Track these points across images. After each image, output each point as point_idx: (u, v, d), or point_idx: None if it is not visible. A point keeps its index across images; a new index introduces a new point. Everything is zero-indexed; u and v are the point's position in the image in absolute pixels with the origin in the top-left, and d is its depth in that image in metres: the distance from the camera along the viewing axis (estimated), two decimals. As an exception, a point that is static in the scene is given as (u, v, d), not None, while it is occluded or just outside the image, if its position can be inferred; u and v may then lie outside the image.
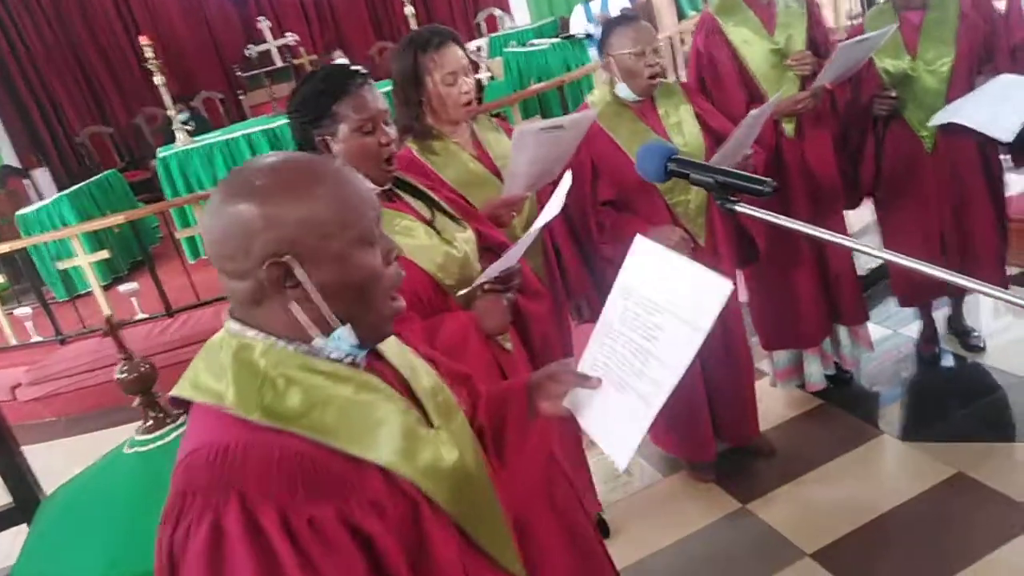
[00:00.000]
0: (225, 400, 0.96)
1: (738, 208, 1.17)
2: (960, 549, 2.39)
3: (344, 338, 1.02)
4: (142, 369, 1.86)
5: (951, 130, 2.77)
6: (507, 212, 2.15)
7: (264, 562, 0.87)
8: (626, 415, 1.19)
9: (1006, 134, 2.59)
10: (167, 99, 6.98)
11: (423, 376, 1.18)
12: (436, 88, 2.19)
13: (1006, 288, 3.01)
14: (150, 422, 1.89)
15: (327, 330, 1.01)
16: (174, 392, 1.02)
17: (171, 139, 7.17)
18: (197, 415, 1.00)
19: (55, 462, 4.52)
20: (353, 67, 1.77)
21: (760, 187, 1.15)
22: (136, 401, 1.88)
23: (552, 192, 1.87)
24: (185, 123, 7.18)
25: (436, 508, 1.06)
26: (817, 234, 1.14)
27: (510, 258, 1.79)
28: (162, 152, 6.80)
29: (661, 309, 1.16)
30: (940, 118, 2.75)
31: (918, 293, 3.19)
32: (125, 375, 1.85)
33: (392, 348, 1.16)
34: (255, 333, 1.00)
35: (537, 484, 1.66)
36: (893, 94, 2.81)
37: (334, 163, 1.04)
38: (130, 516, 1.72)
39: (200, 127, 8.00)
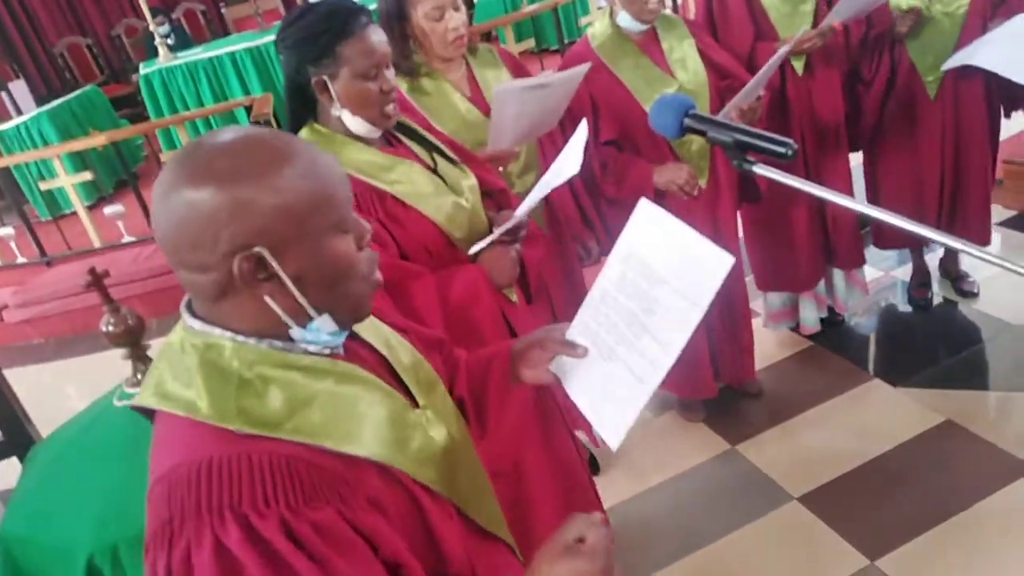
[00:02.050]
0: (199, 410, 0.89)
1: (756, 169, 1.11)
2: (947, 498, 2.42)
3: (322, 328, 0.96)
4: (129, 322, 1.81)
5: (959, 76, 2.70)
6: (494, 166, 2.07)
7: (280, 573, 0.82)
8: (618, 391, 1.15)
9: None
10: (146, 11, 6.71)
11: (402, 352, 1.13)
12: (420, 23, 2.07)
13: (989, 233, 3.02)
14: (139, 375, 1.87)
15: (304, 320, 0.95)
16: (137, 401, 0.95)
17: (152, 52, 6.94)
18: (166, 426, 0.92)
19: (44, 385, 4.55)
20: (356, 5, 1.66)
21: (781, 149, 1.07)
22: (124, 354, 1.85)
23: (556, 139, 1.79)
24: (166, 36, 6.91)
25: (435, 496, 1.03)
26: (824, 195, 1.08)
27: (519, 217, 1.75)
28: (144, 69, 6.58)
29: (660, 280, 1.13)
30: (956, 60, 2.66)
31: (899, 240, 3.18)
32: (111, 327, 1.81)
33: (366, 325, 1.10)
34: (221, 331, 0.92)
35: (523, 439, 1.65)
36: (917, 4, 2.69)
37: (301, 142, 0.94)
38: (120, 476, 1.70)
39: (181, 41, 7.73)
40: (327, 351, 0.99)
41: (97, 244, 5.45)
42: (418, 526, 0.99)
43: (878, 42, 2.80)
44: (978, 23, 2.70)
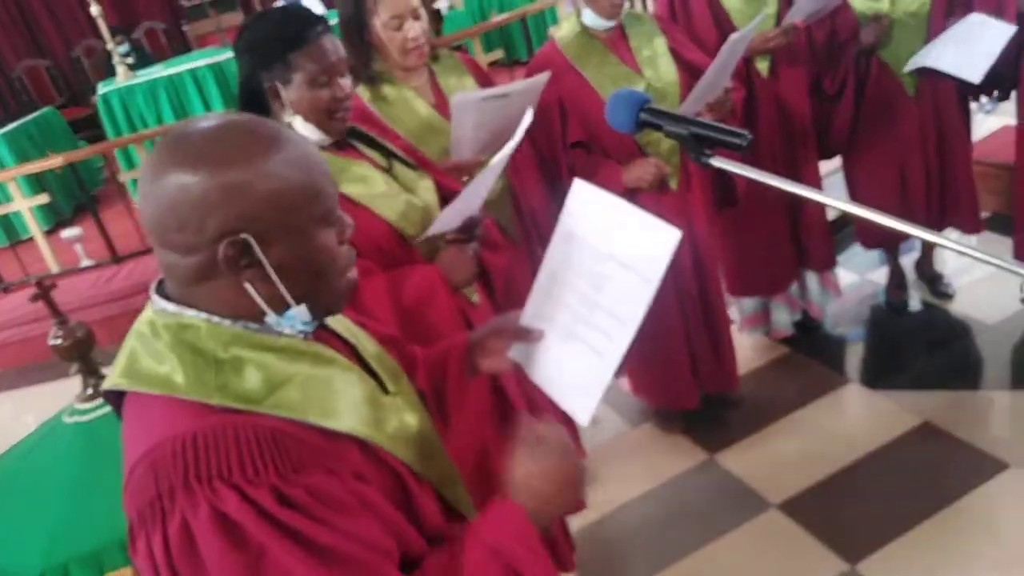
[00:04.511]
0: (177, 386, 0.87)
1: (713, 162, 1.10)
2: (926, 499, 2.40)
3: (298, 316, 0.95)
4: (78, 334, 1.73)
5: (932, 73, 2.70)
6: (457, 176, 2.03)
7: (286, 534, 0.82)
8: (581, 369, 1.15)
9: (975, 75, 2.53)
10: (105, 31, 6.59)
11: (366, 342, 1.13)
12: (379, 33, 2.04)
13: (979, 221, 3.03)
14: (89, 390, 1.79)
15: (280, 308, 0.94)
16: (107, 384, 0.93)
17: (111, 73, 6.82)
18: (138, 409, 0.90)
19: (2, 415, 4.41)
20: (312, 13, 1.63)
21: (736, 140, 1.08)
22: (73, 368, 1.76)
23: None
24: (125, 56, 6.80)
25: (417, 476, 1.03)
26: (790, 188, 1.06)
27: (466, 199, 1.69)
28: (103, 88, 6.46)
29: (607, 256, 1.12)
30: (913, 63, 2.70)
31: (885, 238, 3.16)
32: (60, 341, 1.72)
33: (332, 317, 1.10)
34: (195, 313, 0.91)
35: (482, 433, 1.64)
36: (883, 21, 2.71)
37: (289, 131, 0.94)
38: (72, 491, 1.67)
39: (141, 60, 7.62)
40: (301, 336, 0.98)
41: (55, 269, 5.29)
42: (402, 502, 0.99)
43: (841, 51, 2.79)
44: (942, 17, 2.71)
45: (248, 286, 0.91)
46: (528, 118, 1.68)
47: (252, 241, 0.88)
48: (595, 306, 1.13)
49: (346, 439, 0.94)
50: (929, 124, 2.88)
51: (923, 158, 2.91)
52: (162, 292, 0.95)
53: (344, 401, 0.96)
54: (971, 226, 3.03)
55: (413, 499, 1.01)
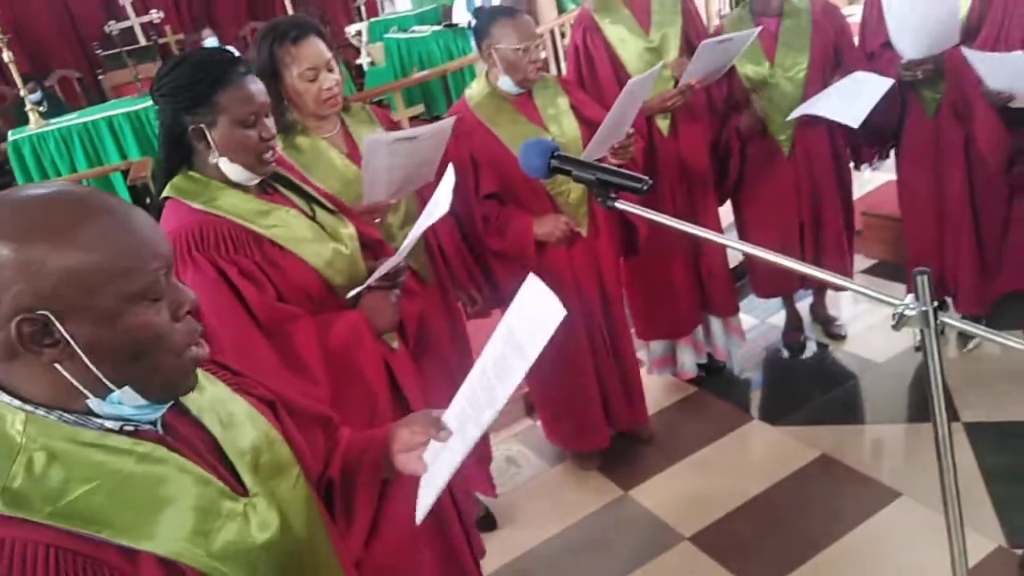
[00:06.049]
0: None
1: (618, 205, 1.22)
2: (826, 526, 2.54)
3: (124, 401, 0.89)
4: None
5: (808, 134, 2.96)
6: (370, 218, 2.09)
7: None
8: (443, 464, 1.10)
9: (854, 121, 2.74)
10: (17, 77, 6.45)
11: (244, 432, 1.04)
12: (294, 84, 2.09)
13: (851, 277, 3.28)
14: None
15: (103, 391, 0.88)
16: None
17: (23, 121, 6.65)
18: None
19: None
20: (233, 55, 1.68)
21: (638, 185, 1.20)
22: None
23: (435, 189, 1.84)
24: (38, 104, 6.65)
25: None
26: (691, 231, 1.20)
27: (397, 259, 1.77)
28: (13, 135, 6.29)
29: (517, 347, 1.08)
30: (799, 111, 2.90)
31: (775, 287, 3.37)
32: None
33: (207, 399, 1.03)
34: (11, 399, 0.87)
35: (409, 547, 1.58)
36: (758, 109, 2.95)
37: (113, 201, 0.89)
38: None
39: (55, 109, 7.45)
40: (131, 427, 0.92)
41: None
42: None
43: (734, 113, 3.02)
44: (819, 81, 2.94)
45: (58, 366, 0.85)
46: (450, 181, 1.75)
47: (52, 318, 0.83)
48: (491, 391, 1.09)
49: (146, 555, 0.87)
50: (804, 182, 3.10)
51: (797, 213, 3.13)
52: None
53: (161, 511, 0.89)
54: (843, 272, 3.21)
55: None
